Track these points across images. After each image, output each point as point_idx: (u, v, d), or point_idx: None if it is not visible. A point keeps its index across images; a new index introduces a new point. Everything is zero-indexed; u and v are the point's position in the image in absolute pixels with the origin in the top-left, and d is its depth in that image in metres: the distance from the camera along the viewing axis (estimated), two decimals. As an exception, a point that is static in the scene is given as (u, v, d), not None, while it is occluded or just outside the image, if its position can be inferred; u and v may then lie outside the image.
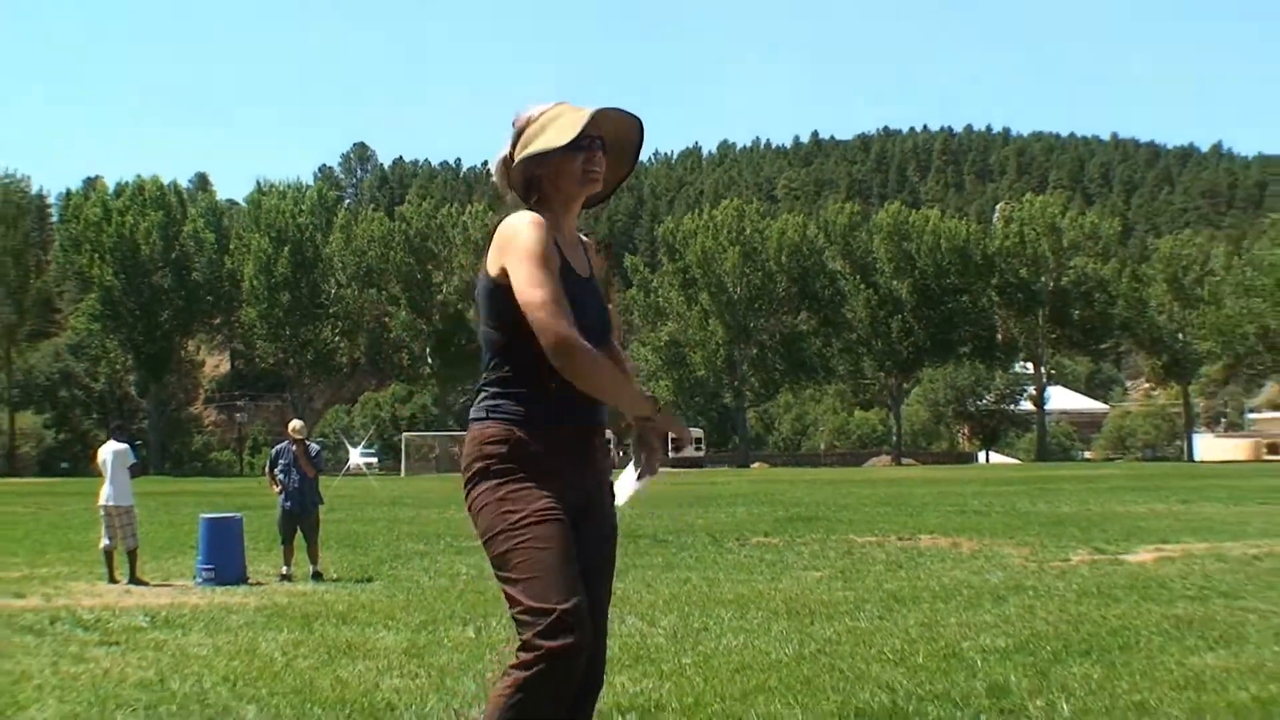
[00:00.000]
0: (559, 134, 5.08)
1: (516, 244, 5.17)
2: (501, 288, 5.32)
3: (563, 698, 5.07)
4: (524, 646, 5.08)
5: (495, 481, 5.40)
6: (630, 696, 8.72)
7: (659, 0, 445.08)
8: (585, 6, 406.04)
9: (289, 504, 22.78)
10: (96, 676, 11.50)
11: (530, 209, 5.35)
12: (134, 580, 21.61)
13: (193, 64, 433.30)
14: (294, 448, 23.76)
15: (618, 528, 5.70)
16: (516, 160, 5.35)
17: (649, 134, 5.71)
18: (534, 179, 5.31)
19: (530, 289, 5.10)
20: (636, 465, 5.53)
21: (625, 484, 5.49)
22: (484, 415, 5.52)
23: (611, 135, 5.27)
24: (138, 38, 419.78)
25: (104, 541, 22.19)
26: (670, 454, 5.54)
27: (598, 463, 5.59)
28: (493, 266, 5.39)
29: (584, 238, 5.73)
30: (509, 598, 5.25)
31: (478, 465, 5.48)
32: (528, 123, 5.25)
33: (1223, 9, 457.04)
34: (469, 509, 5.54)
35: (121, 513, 22.10)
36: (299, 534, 22.76)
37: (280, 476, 23.19)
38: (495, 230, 5.42)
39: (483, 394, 5.59)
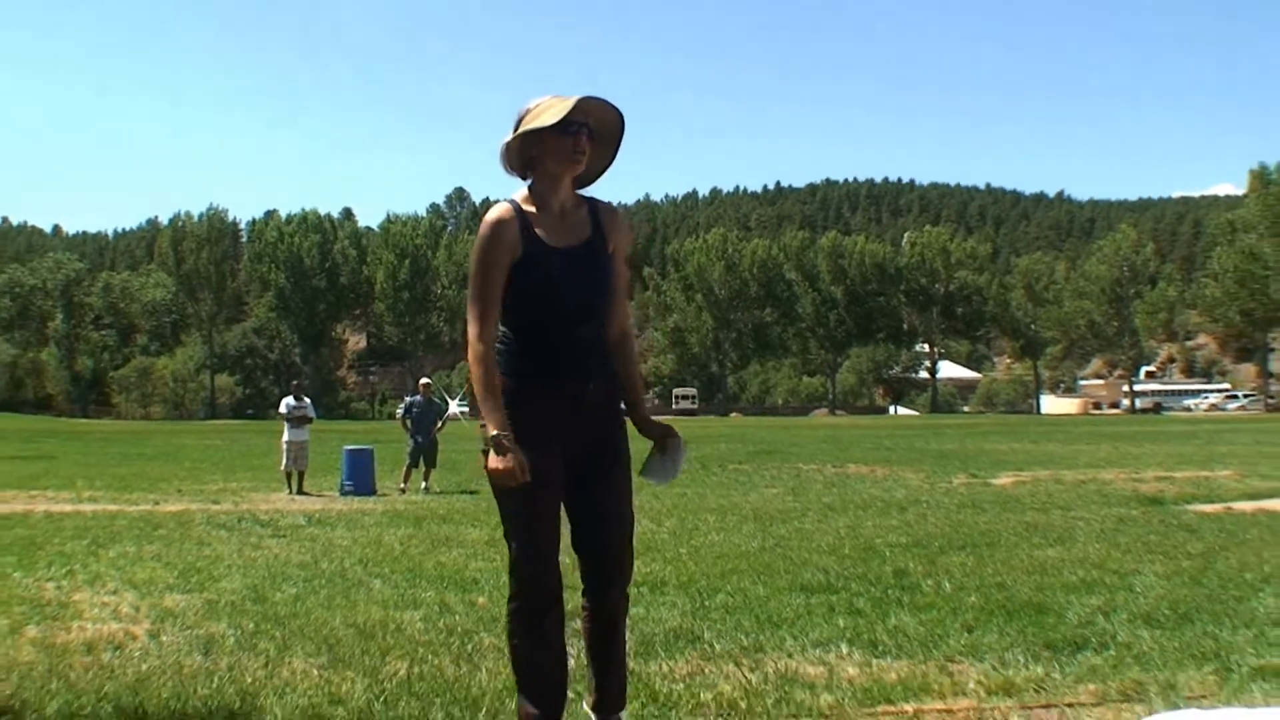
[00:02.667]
0: (549, 116, 4.54)
1: (472, 251, 4.70)
2: None
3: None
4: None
5: None
6: (643, 576, 8.70)
7: (671, 83, 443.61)
8: (628, 82, 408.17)
9: (419, 439, 22.95)
10: (269, 559, 11.52)
11: (529, 184, 4.76)
12: (302, 492, 21.78)
13: (343, 124, 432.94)
14: (420, 398, 23.96)
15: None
16: (513, 138, 4.70)
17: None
18: (530, 158, 4.69)
19: (468, 296, 4.71)
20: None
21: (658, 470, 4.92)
22: None
23: (598, 125, 4.67)
24: (312, 108, 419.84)
25: (283, 466, 22.45)
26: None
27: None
28: None
29: (591, 200, 4.91)
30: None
31: None
32: (526, 112, 4.68)
33: (1064, 94, 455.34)
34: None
35: (299, 446, 22.36)
36: (421, 462, 22.96)
37: (410, 421, 23.37)
38: None
39: None
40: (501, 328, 4.72)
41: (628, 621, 4.87)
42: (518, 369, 4.66)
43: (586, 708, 4.75)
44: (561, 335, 4.69)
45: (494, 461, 4.39)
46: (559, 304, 4.67)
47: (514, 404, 4.55)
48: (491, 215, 4.66)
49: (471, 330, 4.61)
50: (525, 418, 4.53)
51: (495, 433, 4.40)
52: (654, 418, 4.88)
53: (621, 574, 4.76)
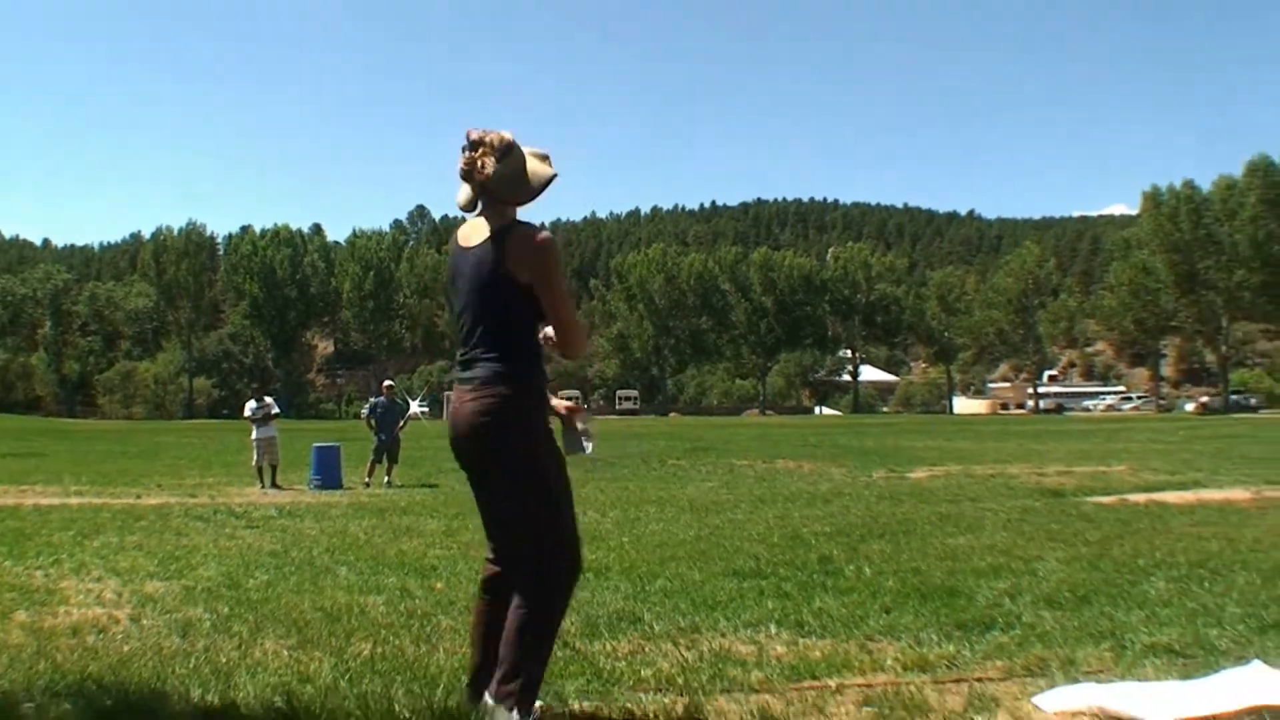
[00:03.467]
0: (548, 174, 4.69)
1: (557, 262, 4.65)
2: None
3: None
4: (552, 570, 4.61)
5: None
6: (588, 563, 8.68)
7: (614, 110, 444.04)
8: (574, 108, 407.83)
9: (383, 437, 23.00)
10: (242, 548, 11.45)
11: (496, 205, 4.68)
12: (274, 486, 21.75)
13: (313, 144, 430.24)
14: (384, 399, 23.99)
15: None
16: (531, 176, 4.66)
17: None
18: (514, 195, 4.67)
19: (566, 298, 4.69)
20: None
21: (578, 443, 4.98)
22: None
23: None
24: (285, 130, 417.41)
25: (254, 461, 22.45)
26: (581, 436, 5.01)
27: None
28: None
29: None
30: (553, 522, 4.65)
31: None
32: (513, 146, 4.65)
33: (975, 121, 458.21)
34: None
35: (266, 442, 22.34)
36: (384, 458, 23.01)
37: (374, 420, 23.42)
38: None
39: None
40: (524, 338, 4.71)
41: (572, 603, 4.86)
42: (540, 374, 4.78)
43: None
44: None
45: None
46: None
47: (541, 405, 4.75)
48: (549, 236, 4.63)
49: (582, 327, 4.85)
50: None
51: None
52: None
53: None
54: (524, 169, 4.67)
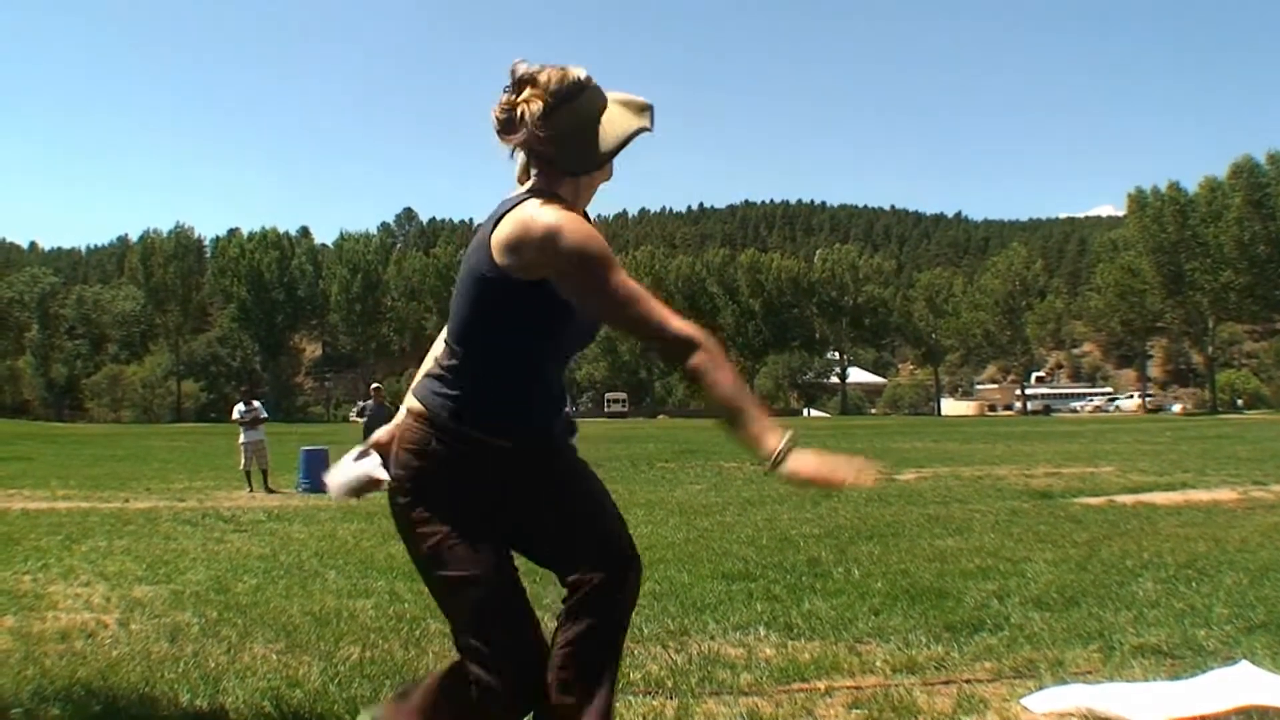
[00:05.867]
0: (630, 126, 3.23)
1: (603, 250, 3.13)
2: None
3: None
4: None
5: None
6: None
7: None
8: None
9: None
10: (231, 552, 11.43)
11: (539, 188, 3.22)
12: (266, 489, 21.72)
13: (301, 147, 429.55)
14: (373, 403, 24.01)
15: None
16: (602, 133, 3.17)
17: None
18: (558, 153, 3.18)
19: (645, 294, 3.12)
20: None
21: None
22: None
23: None
24: (272, 133, 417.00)
25: (242, 465, 22.41)
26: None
27: None
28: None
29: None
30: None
31: None
32: (582, 88, 3.16)
33: (962, 123, 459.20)
34: None
35: (255, 445, 22.32)
36: None
37: (364, 422, 23.46)
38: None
39: None
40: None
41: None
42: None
43: None
44: (546, 373, 3.38)
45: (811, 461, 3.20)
46: (558, 339, 3.33)
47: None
48: (556, 221, 3.07)
49: (683, 327, 3.08)
50: None
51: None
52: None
53: None
54: (591, 122, 3.20)
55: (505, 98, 3.18)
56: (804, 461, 3.17)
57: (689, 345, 3.06)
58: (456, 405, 3.24)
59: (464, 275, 3.25)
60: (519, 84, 3.16)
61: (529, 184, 3.25)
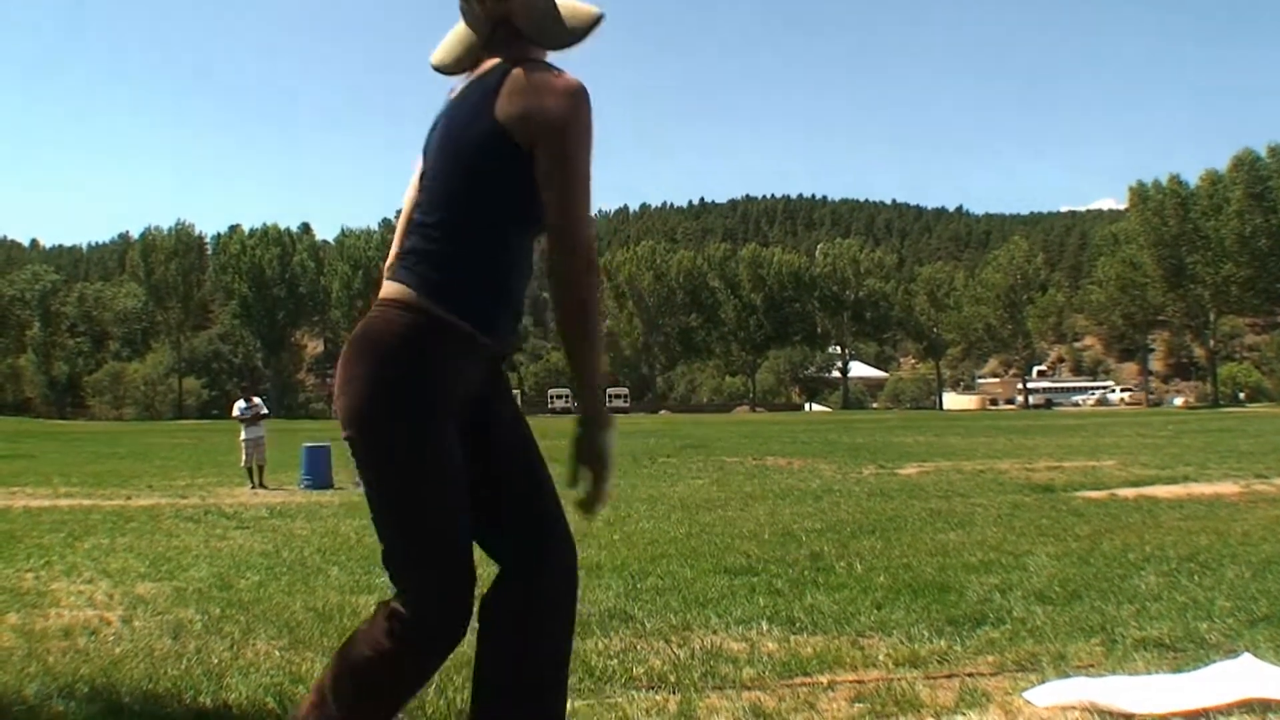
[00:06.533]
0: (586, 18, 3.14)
1: (583, 125, 3.03)
2: None
3: None
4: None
5: None
6: (580, 561, 8.70)
7: (604, 107, 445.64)
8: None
9: None
10: (233, 548, 11.42)
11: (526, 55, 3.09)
12: (262, 486, 21.70)
13: (302, 144, 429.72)
14: None
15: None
16: (568, 11, 3.11)
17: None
18: (532, 24, 3.11)
19: (582, 184, 3.07)
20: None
21: None
22: None
23: None
24: (273, 129, 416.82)
25: (244, 462, 22.40)
26: None
27: None
28: None
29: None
30: None
31: None
32: None
33: (963, 117, 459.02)
34: None
35: (254, 442, 22.31)
36: None
37: None
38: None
39: None
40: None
41: None
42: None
43: None
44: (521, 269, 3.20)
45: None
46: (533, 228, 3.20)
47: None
48: (580, 84, 3.01)
49: (588, 233, 3.03)
50: None
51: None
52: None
53: None
54: (556, 3, 3.13)
55: None
56: (611, 446, 3.14)
57: (589, 260, 2.99)
58: (450, 289, 3.02)
59: (454, 143, 3.07)
60: None
61: (496, 59, 3.10)
